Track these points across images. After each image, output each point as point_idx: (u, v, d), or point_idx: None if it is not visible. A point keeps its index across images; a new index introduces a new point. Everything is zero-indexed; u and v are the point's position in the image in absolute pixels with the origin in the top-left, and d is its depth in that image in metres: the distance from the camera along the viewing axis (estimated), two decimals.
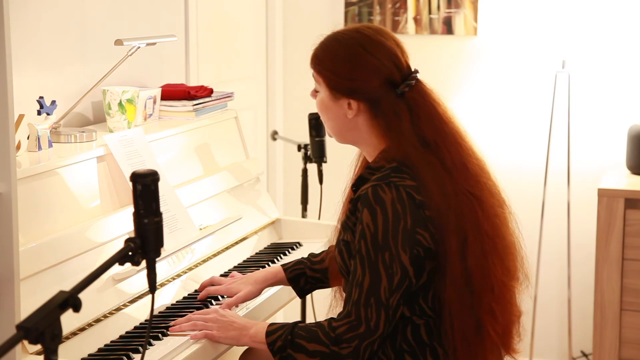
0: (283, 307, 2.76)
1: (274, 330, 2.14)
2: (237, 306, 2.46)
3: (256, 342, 2.18)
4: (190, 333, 2.24)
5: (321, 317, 3.43)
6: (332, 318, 2.11)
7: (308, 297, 3.64)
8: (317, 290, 2.61)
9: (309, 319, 3.67)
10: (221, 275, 2.66)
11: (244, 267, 2.80)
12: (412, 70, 2.17)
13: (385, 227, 2.04)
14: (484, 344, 2.12)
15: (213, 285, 2.54)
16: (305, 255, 2.58)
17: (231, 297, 2.47)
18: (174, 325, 2.28)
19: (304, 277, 2.51)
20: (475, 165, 2.17)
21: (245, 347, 2.53)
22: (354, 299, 2.06)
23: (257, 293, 2.50)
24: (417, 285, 2.10)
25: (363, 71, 2.13)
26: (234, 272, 2.63)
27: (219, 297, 2.50)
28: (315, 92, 2.23)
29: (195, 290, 2.58)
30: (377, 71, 2.12)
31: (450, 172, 2.11)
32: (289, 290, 2.71)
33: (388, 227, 2.04)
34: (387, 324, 2.06)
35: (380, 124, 2.14)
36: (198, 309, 2.42)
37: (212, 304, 2.47)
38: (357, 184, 2.20)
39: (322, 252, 2.54)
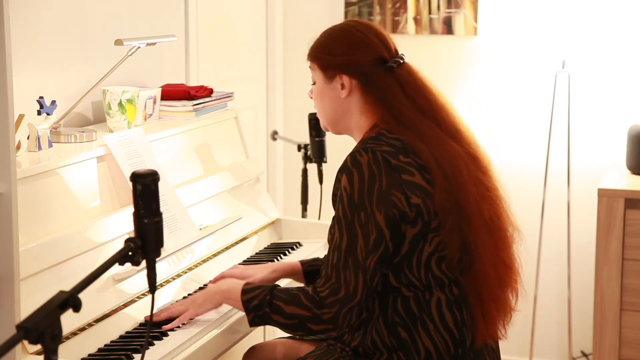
0: None
1: (250, 289, 2.19)
2: None
3: (230, 299, 2.24)
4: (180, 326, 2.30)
5: None
6: (315, 284, 2.14)
7: None
8: None
9: None
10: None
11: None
12: (400, 54, 2.30)
13: (360, 187, 2.11)
14: (508, 291, 2.25)
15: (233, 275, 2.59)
16: (306, 255, 2.59)
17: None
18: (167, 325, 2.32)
19: (319, 274, 2.52)
20: (465, 131, 2.29)
21: (248, 348, 2.53)
22: (333, 262, 2.11)
23: (272, 281, 2.52)
24: (400, 254, 2.14)
25: (354, 47, 2.25)
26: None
27: None
28: (313, 84, 2.33)
29: (195, 290, 2.58)
30: (368, 47, 2.24)
31: (445, 135, 2.22)
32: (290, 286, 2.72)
33: (364, 187, 2.11)
34: (364, 289, 2.09)
35: (372, 99, 2.24)
36: None
37: None
38: None
39: None
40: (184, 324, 2.31)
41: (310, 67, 2.32)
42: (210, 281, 2.61)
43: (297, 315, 2.11)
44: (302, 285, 2.54)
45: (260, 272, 2.52)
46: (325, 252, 2.59)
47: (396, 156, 2.14)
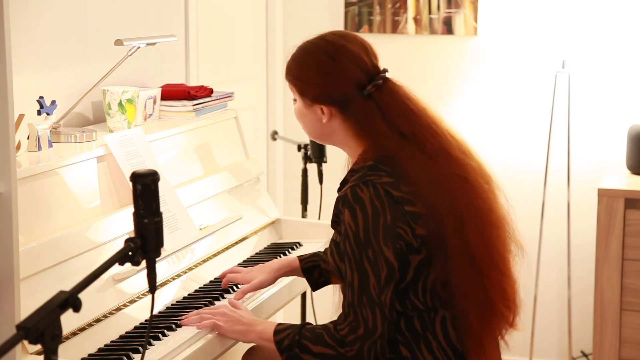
0: (282, 307, 2.77)
1: (281, 330, 2.18)
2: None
3: (263, 339, 2.21)
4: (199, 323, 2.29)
5: (321, 317, 3.44)
6: (336, 321, 2.14)
7: (308, 298, 3.65)
8: (317, 292, 2.63)
9: (309, 319, 3.67)
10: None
11: (244, 267, 2.80)
12: (380, 70, 2.22)
13: (365, 225, 2.08)
14: (496, 319, 2.18)
15: (233, 272, 2.60)
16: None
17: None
18: (183, 319, 2.32)
19: (318, 270, 2.54)
20: (456, 149, 2.21)
21: (248, 347, 2.54)
22: (349, 301, 2.10)
23: (272, 281, 2.54)
24: (406, 282, 2.13)
25: (328, 77, 2.20)
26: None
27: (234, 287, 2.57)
28: (295, 100, 2.31)
29: (196, 290, 2.59)
30: (342, 76, 2.19)
31: (433, 159, 2.16)
32: (288, 291, 2.72)
33: (368, 224, 2.08)
34: (384, 323, 2.08)
35: (354, 125, 2.20)
36: (206, 301, 2.47)
37: (223, 298, 2.51)
38: (341, 186, 2.25)
39: None
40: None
41: (289, 85, 2.29)
42: (215, 278, 2.60)
43: (325, 355, 2.11)
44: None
45: (259, 275, 2.52)
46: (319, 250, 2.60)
47: (397, 187, 2.11)
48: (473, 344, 2.16)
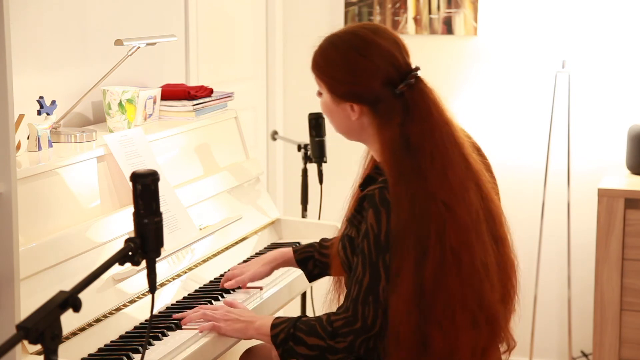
0: (283, 307, 2.76)
1: (278, 324, 2.18)
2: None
3: (261, 334, 2.22)
4: (199, 325, 2.29)
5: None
6: (330, 312, 2.14)
7: (307, 296, 3.64)
8: (317, 289, 2.63)
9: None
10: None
11: None
12: (413, 68, 2.15)
13: (388, 229, 2.05)
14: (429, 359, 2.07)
15: (234, 277, 2.60)
16: None
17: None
18: (182, 317, 2.32)
19: (312, 261, 2.54)
20: (458, 175, 2.11)
21: (246, 348, 2.54)
22: (353, 296, 2.09)
23: (267, 273, 2.56)
24: None
25: (360, 75, 2.12)
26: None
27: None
28: (319, 93, 2.23)
29: (196, 290, 2.59)
30: (374, 74, 2.10)
31: (426, 178, 2.07)
32: (288, 291, 2.72)
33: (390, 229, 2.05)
34: (383, 322, 2.08)
35: (382, 124, 2.12)
36: (206, 301, 2.47)
37: (223, 298, 2.52)
38: (365, 182, 2.20)
39: (334, 237, 2.52)
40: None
41: (315, 78, 2.21)
42: (215, 278, 2.61)
43: (317, 346, 2.12)
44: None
45: (253, 267, 2.56)
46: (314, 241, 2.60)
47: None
48: None
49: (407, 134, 2.09)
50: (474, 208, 2.10)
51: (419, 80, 2.13)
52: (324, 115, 2.25)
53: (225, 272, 2.72)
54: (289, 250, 2.57)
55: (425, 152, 2.08)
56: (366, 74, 2.11)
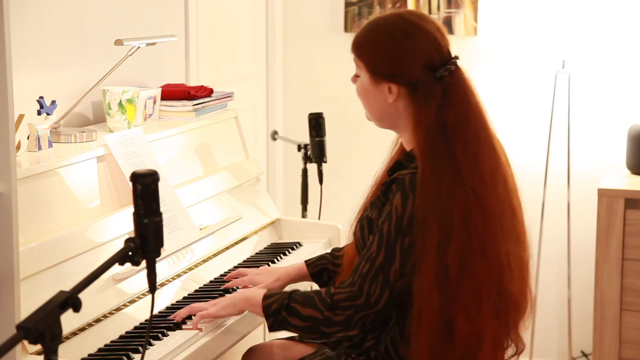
0: None
1: (271, 295, 2.19)
2: None
3: (252, 305, 2.22)
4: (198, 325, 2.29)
5: None
6: (331, 286, 2.15)
7: None
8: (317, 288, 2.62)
9: None
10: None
11: (244, 267, 2.80)
12: (453, 56, 2.17)
13: (412, 215, 2.06)
14: (454, 346, 2.08)
15: (239, 276, 2.59)
16: (306, 255, 2.59)
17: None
18: (174, 319, 2.32)
19: (327, 272, 2.53)
20: (488, 163, 2.14)
21: (247, 348, 2.54)
22: (362, 272, 2.09)
23: (280, 289, 2.52)
24: None
25: (404, 56, 2.14)
26: (264, 266, 2.67)
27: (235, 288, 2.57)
28: (355, 77, 2.24)
29: (196, 290, 2.59)
30: (418, 56, 2.12)
31: (457, 163, 2.09)
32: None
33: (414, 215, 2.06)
34: (387, 303, 2.09)
35: (419, 108, 2.13)
36: (206, 301, 2.44)
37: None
38: (394, 168, 2.21)
39: (344, 246, 2.53)
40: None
41: (354, 59, 2.21)
42: (215, 278, 2.61)
43: (312, 317, 2.12)
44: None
45: (267, 279, 2.51)
46: (325, 252, 2.59)
47: None
48: None
49: (443, 118, 2.11)
50: (500, 198, 2.14)
51: (458, 67, 2.16)
52: (360, 98, 2.23)
53: (225, 273, 2.72)
54: (302, 266, 2.54)
55: (459, 137, 2.11)
56: (410, 54, 2.13)
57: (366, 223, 2.18)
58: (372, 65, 2.17)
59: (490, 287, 2.09)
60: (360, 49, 2.20)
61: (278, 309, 2.15)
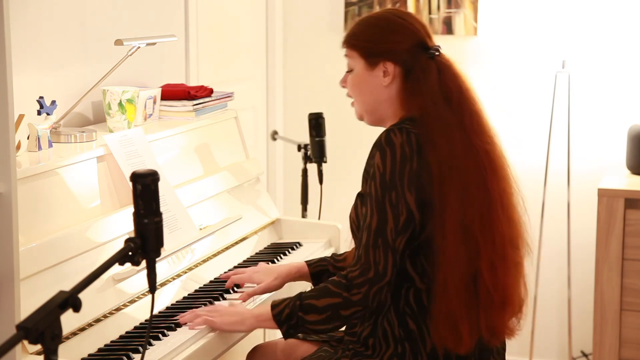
0: None
1: (278, 303, 2.19)
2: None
3: (262, 320, 2.22)
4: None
5: None
6: (345, 270, 2.15)
7: None
8: None
9: None
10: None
11: (244, 267, 2.80)
12: (436, 45, 2.27)
13: (393, 167, 2.11)
14: (479, 298, 2.14)
15: (237, 274, 2.59)
16: (306, 255, 2.59)
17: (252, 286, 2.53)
18: (180, 318, 2.32)
19: (327, 274, 2.54)
20: (491, 129, 2.24)
21: (249, 348, 2.54)
22: (364, 243, 2.12)
23: (279, 287, 2.53)
24: (420, 239, 2.14)
25: (397, 34, 2.23)
26: (261, 263, 2.67)
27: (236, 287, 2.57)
28: (345, 77, 2.30)
29: (196, 290, 2.59)
30: (410, 34, 2.23)
31: (465, 130, 2.18)
32: (288, 292, 2.71)
33: (395, 167, 2.11)
34: (394, 269, 2.10)
35: (410, 89, 2.21)
36: (206, 301, 2.47)
37: (223, 298, 2.51)
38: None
39: (345, 252, 2.58)
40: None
41: (346, 55, 2.28)
42: (215, 278, 2.61)
43: (330, 305, 2.12)
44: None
45: (267, 278, 2.52)
46: (326, 253, 2.60)
47: (425, 144, 2.14)
48: (445, 326, 2.11)
49: (446, 88, 2.20)
50: (509, 170, 2.24)
51: (442, 53, 2.26)
52: (352, 94, 2.30)
53: (239, 265, 2.72)
54: (303, 265, 2.55)
55: (464, 107, 2.20)
56: (402, 32, 2.23)
57: (359, 199, 2.22)
58: (367, 47, 2.25)
59: (512, 239, 2.19)
60: (353, 37, 2.28)
61: (291, 313, 2.15)
